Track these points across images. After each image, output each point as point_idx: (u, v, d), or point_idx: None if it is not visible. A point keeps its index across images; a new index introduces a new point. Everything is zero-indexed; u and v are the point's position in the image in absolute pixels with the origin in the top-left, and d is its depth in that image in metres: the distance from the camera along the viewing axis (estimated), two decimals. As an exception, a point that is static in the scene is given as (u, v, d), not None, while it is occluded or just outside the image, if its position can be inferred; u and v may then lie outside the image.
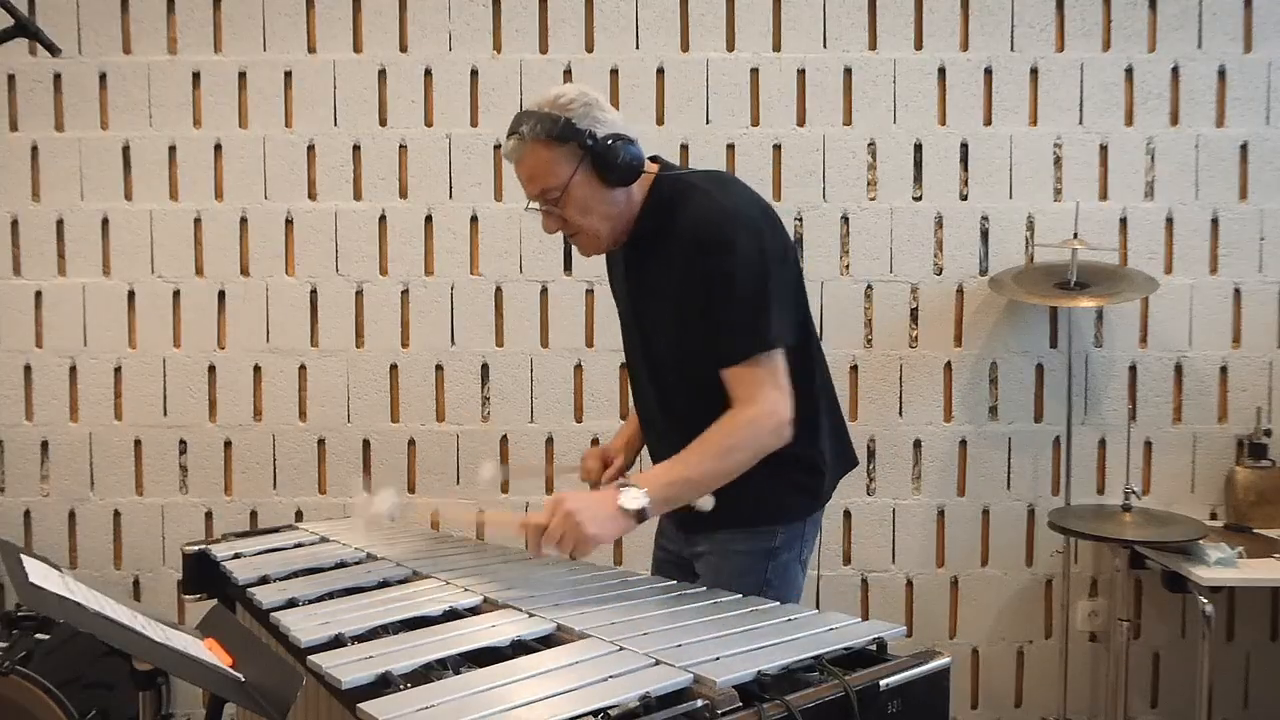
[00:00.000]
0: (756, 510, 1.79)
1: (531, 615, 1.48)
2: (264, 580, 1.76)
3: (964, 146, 2.94)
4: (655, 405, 1.91)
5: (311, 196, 2.96)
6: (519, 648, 1.38)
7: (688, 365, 1.78)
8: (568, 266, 2.95)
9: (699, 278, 1.71)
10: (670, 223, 1.76)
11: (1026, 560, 2.98)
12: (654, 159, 1.83)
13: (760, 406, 1.66)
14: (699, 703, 1.15)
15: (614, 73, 2.93)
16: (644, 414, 1.98)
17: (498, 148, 2.95)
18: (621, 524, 1.59)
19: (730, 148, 2.94)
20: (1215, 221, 2.94)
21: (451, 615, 1.52)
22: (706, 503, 1.68)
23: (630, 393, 2.09)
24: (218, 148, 2.96)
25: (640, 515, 1.59)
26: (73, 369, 2.98)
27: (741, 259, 1.68)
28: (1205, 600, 2.44)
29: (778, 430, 1.67)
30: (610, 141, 1.70)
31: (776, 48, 2.94)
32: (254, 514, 2.99)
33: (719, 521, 1.75)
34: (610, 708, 1.13)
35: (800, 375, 1.77)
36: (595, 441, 2.88)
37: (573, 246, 2.90)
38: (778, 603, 1.57)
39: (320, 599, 1.63)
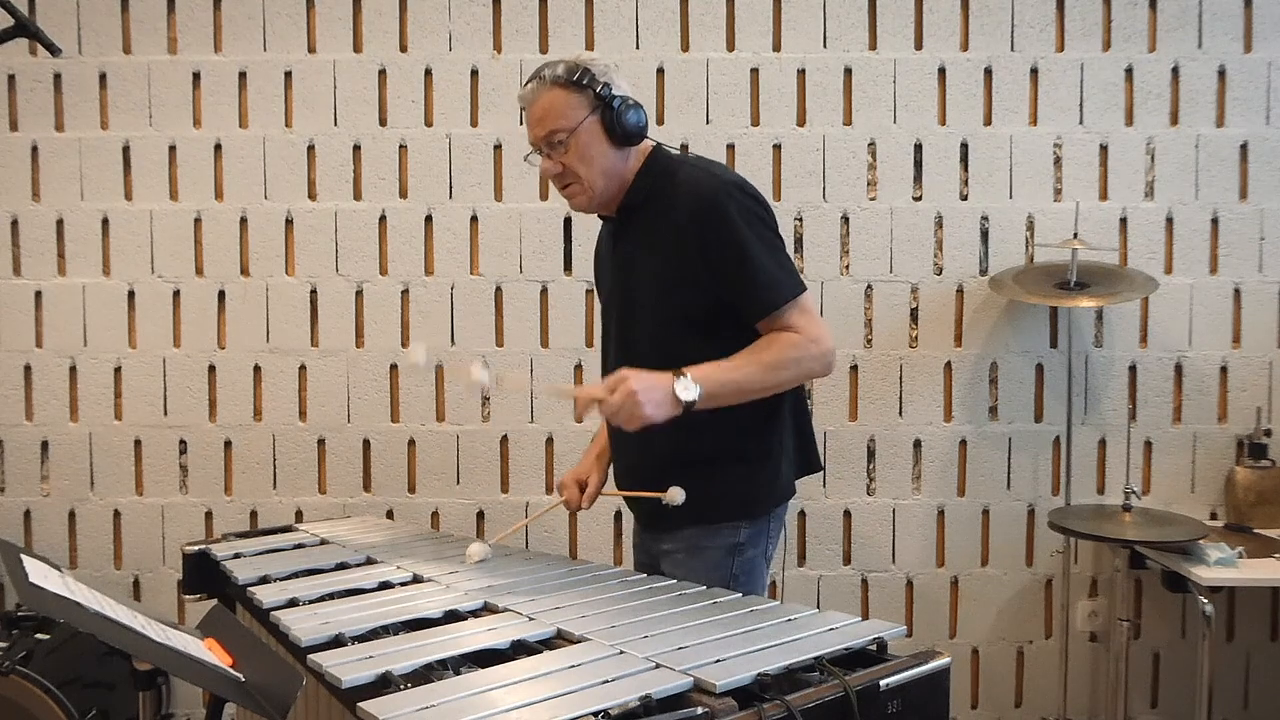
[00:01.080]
0: (721, 506, 1.84)
1: (532, 618, 1.48)
2: (264, 580, 1.76)
3: (964, 146, 2.94)
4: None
5: (311, 196, 2.96)
6: (520, 649, 1.38)
7: (664, 333, 1.83)
8: (568, 266, 2.95)
9: (705, 245, 1.76)
10: (660, 194, 1.83)
11: (1026, 560, 2.98)
12: (649, 138, 1.89)
13: (808, 334, 1.74)
14: (699, 710, 1.15)
15: (614, 73, 2.93)
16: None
17: (498, 148, 2.95)
18: (672, 410, 1.66)
19: (730, 148, 2.94)
20: (1215, 221, 2.94)
21: (452, 617, 1.52)
22: (677, 496, 1.77)
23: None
24: (218, 148, 2.96)
25: (690, 406, 1.66)
26: (73, 369, 2.98)
27: (745, 220, 1.76)
28: (1205, 600, 2.44)
29: (823, 358, 1.76)
30: (621, 100, 1.80)
31: (776, 48, 2.94)
32: (254, 514, 2.99)
33: (685, 520, 1.82)
34: (610, 710, 1.13)
35: None
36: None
37: (570, 248, 2.93)
38: (776, 602, 1.57)
39: (321, 599, 1.64)
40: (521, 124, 2.92)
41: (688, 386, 1.66)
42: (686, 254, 1.78)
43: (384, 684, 1.23)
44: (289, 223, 2.97)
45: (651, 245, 1.84)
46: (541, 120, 1.81)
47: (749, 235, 1.76)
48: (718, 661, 1.26)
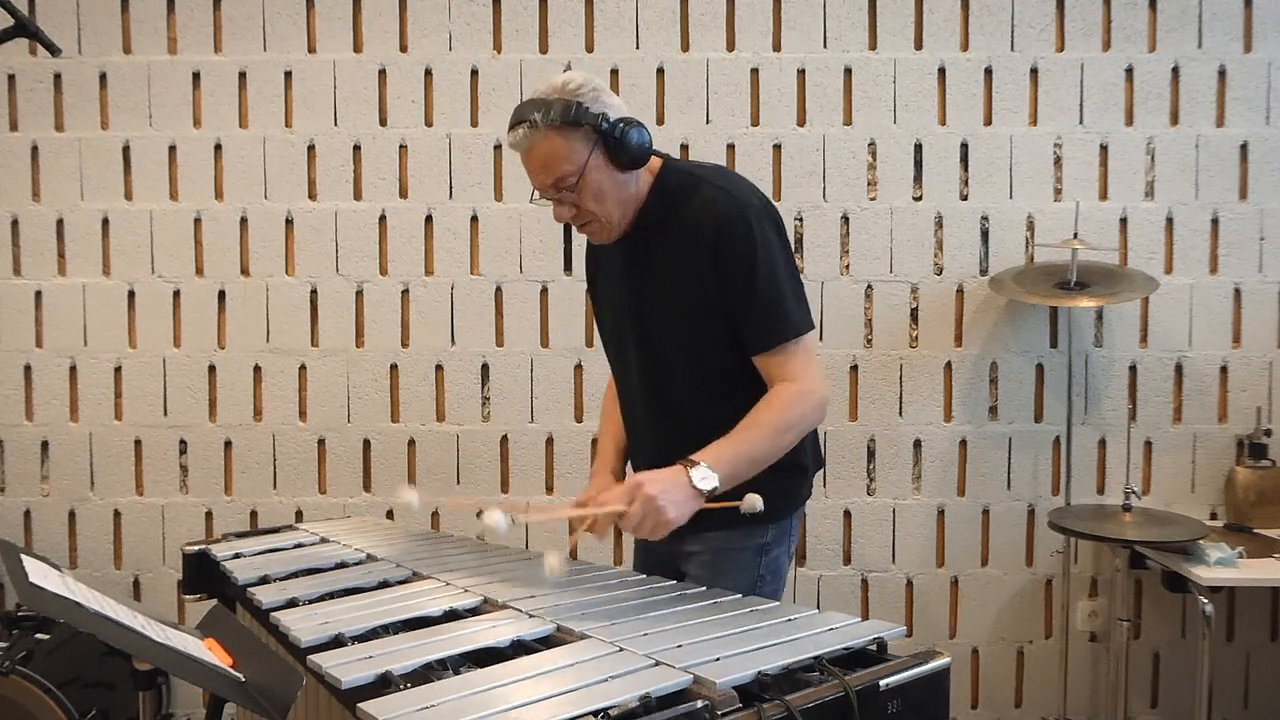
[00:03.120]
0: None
1: (531, 616, 1.48)
2: (264, 580, 1.76)
3: (964, 146, 2.94)
4: (647, 403, 1.88)
5: (311, 196, 2.96)
6: (519, 648, 1.38)
7: (691, 357, 1.78)
8: (568, 266, 2.95)
9: (719, 270, 1.71)
10: (677, 213, 1.76)
11: (1026, 560, 2.98)
12: (655, 152, 1.82)
13: (804, 384, 1.70)
14: (699, 703, 1.15)
15: (614, 73, 2.93)
16: (631, 416, 1.96)
17: (498, 148, 2.95)
18: (695, 505, 1.58)
19: (730, 148, 2.94)
20: (1215, 221, 2.94)
21: (452, 616, 1.52)
22: (757, 504, 1.61)
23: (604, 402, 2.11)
24: (218, 148, 2.96)
25: (713, 494, 1.59)
26: (73, 369, 2.98)
27: (765, 248, 1.71)
28: (1205, 600, 2.44)
29: (821, 407, 1.73)
30: (621, 124, 1.69)
31: (776, 48, 2.94)
32: (254, 514, 2.99)
33: (715, 524, 1.74)
34: (610, 708, 1.13)
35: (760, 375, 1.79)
36: (594, 442, 2.88)
37: (570, 248, 2.93)
38: (776, 602, 1.57)
39: (320, 599, 1.64)
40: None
41: (705, 475, 1.58)
42: (704, 274, 1.72)
43: (384, 684, 1.23)
44: (289, 223, 2.97)
45: (673, 268, 1.77)
46: (545, 168, 1.71)
47: (763, 265, 1.70)
48: (718, 660, 1.26)
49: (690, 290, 1.75)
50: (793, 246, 2.91)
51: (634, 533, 1.57)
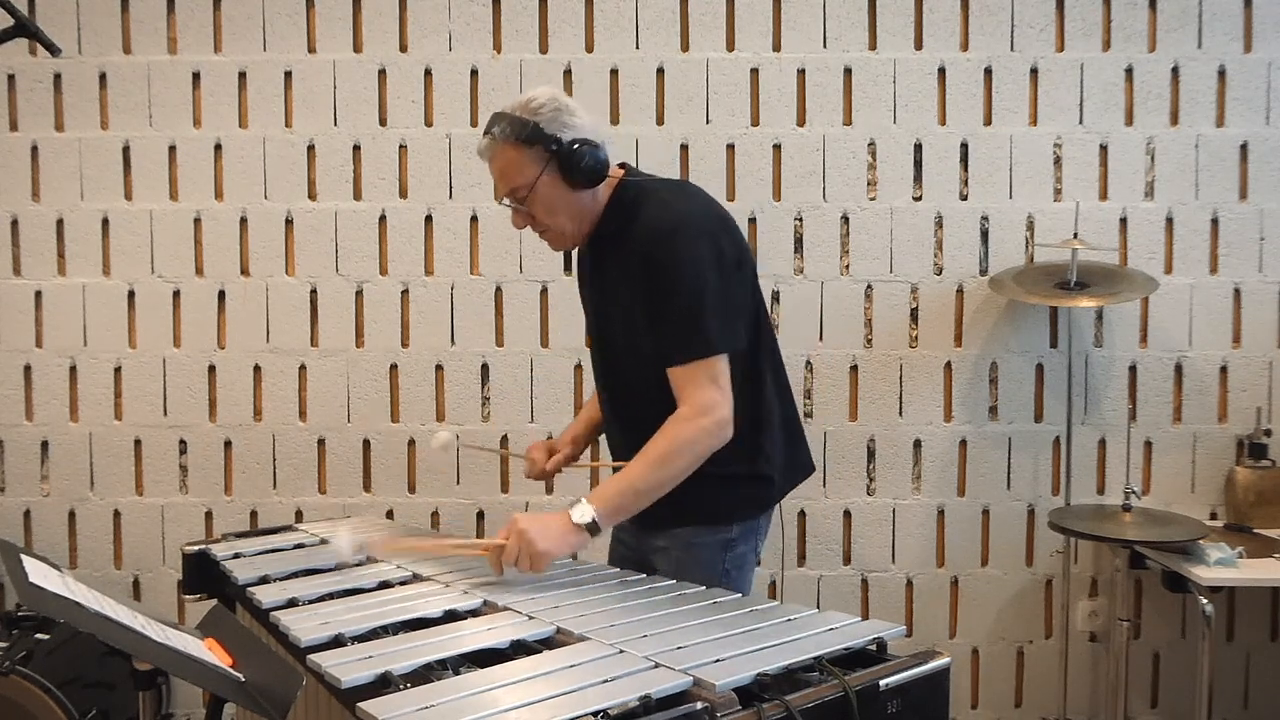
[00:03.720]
0: (714, 510, 1.87)
1: (531, 617, 1.48)
2: (264, 580, 1.76)
3: (964, 146, 2.94)
4: (611, 406, 2.01)
5: (311, 196, 2.96)
6: (519, 649, 1.38)
7: (638, 366, 1.85)
8: (568, 266, 2.95)
9: (647, 280, 1.79)
10: (629, 226, 1.84)
11: (1026, 560, 2.98)
12: (622, 165, 1.91)
13: (696, 409, 1.73)
14: (699, 705, 1.15)
15: (614, 73, 2.93)
16: (606, 406, 2.06)
17: (498, 148, 2.94)
18: (574, 539, 1.68)
19: (730, 148, 2.94)
20: (1215, 221, 2.94)
21: (452, 617, 1.52)
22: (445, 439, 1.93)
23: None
24: (218, 148, 2.96)
25: (592, 528, 1.69)
26: (73, 369, 2.98)
27: (687, 264, 1.76)
28: (1205, 600, 2.44)
29: (716, 431, 1.75)
30: (575, 146, 1.78)
31: (776, 48, 2.94)
32: (254, 514, 2.99)
33: (680, 520, 1.85)
34: (610, 709, 1.13)
35: (749, 383, 1.86)
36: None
37: (572, 251, 2.93)
38: (776, 602, 1.57)
39: (320, 599, 1.64)
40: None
41: (583, 512, 1.68)
42: (643, 284, 1.80)
43: (384, 684, 1.23)
44: (289, 223, 2.97)
45: (622, 278, 1.86)
46: (501, 178, 1.84)
47: (686, 282, 1.75)
48: (717, 661, 1.26)
49: (632, 300, 1.83)
50: (792, 246, 2.93)
51: (516, 565, 1.66)
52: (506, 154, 1.80)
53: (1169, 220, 2.94)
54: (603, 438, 2.18)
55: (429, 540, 2.11)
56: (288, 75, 2.95)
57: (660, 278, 1.77)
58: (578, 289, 2.09)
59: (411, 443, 2.98)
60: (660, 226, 1.79)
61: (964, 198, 2.95)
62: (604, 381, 2.02)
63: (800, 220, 2.95)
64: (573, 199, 1.83)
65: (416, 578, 1.76)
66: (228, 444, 2.99)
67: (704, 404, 1.73)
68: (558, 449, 2.16)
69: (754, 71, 2.93)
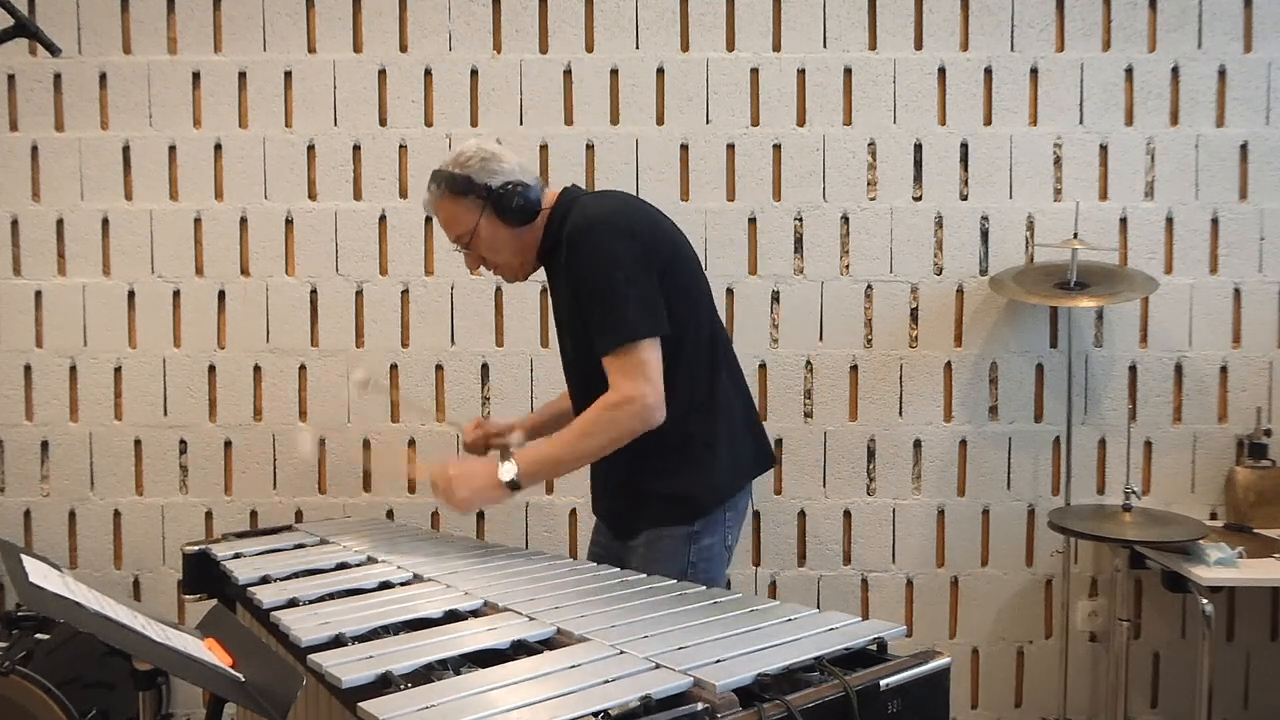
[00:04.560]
0: (669, 511, 1.97)
1: (532, 618, 1.48)
2: (264, 580, 1.76)
3: (964, 146, 2.94)
4: (573, 398, 2.13)
5: (311, 196, 2.96)
6: (520, 649, 1.38)
7: (587, 371, 1.96)
8: (568, 266, 2.95)
9: (572, 280, 1.94)
10: (559, 240, 1.97)
11: (1026, 560, 2.98)
12: (567, 189, 2.05)
13: (619, 395, 1.84)
14: (699, 706, 1.15)
15: (614, 73, 2.93)
16: (572, 408, 2.16)
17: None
18: (494, 493, 1.88)
19: (730, 148, 2.94)
20: (1215, 221, 2.94)
21: (452, 617, 1.52)
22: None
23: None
24: (218, 148, 2.96)
25: (512, 485, 1.86)
26: (73, 369, 2.98)
27: (602, 258, 1.87)
28: (1205, 600, 2.44)
29: (639, 415, 1.84)
30: (506, 188, 1.94)
31: (776, 48, 2.94)
32: (254, 514, 2.99)
33: (649, 520, 1.97)
34: (610, 709, 1.13)
35: (705, 378, 1.97)
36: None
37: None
38: (776, 601, 1.57)
39: (321, 599, 1.64)
40: (521, 123, 2.93)
41: (507, 470, 1.85)
42: (571, 290, 1.94)
43: (384, 684, 1.23)
44: (289, 223, 2.97)
45: (558, 290, 2.03)
46: (446, 228, 2.02)
47: (601, 273, 1.87)
48: (718, 661, 1.26)
49: (571, 305, 1.96)
50: (792, 246, 2.93)
51: (438, 498, 1.88)
52: (446, 207, 1.98)
53: (1169, 220, 2.94)
54: None
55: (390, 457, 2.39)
56: (288, 75, 2.95)
57: (580, 275, 1.90)
58: None
59: (412, 443, 2.98)
60: (577, 227, 1.92)
61: (964, 198, 2.95)
62: (571, 388, 2.15)
63: (800, 220, 2.95)
64: (512, 236, 1.99)
65: (417, 578, 1.76)
66: (228, 444, 2.99)
67: (626, 393, 1.83)
68: (483, 425, 2.34)
69: (754, 71, 2.93)
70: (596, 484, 2.16)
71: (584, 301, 1.90)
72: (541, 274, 2.09)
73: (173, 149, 2.96)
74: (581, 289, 1.90)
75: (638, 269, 1.87)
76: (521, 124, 2.92)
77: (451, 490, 1.86)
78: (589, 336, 1.90)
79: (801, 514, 2.97)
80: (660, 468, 1.94)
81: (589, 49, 2.93)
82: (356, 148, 2.96)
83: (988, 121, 2.94)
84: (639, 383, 1.83)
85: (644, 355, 1.84)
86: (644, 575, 1.78)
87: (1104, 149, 2.94)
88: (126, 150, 2.96)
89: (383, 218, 2.96)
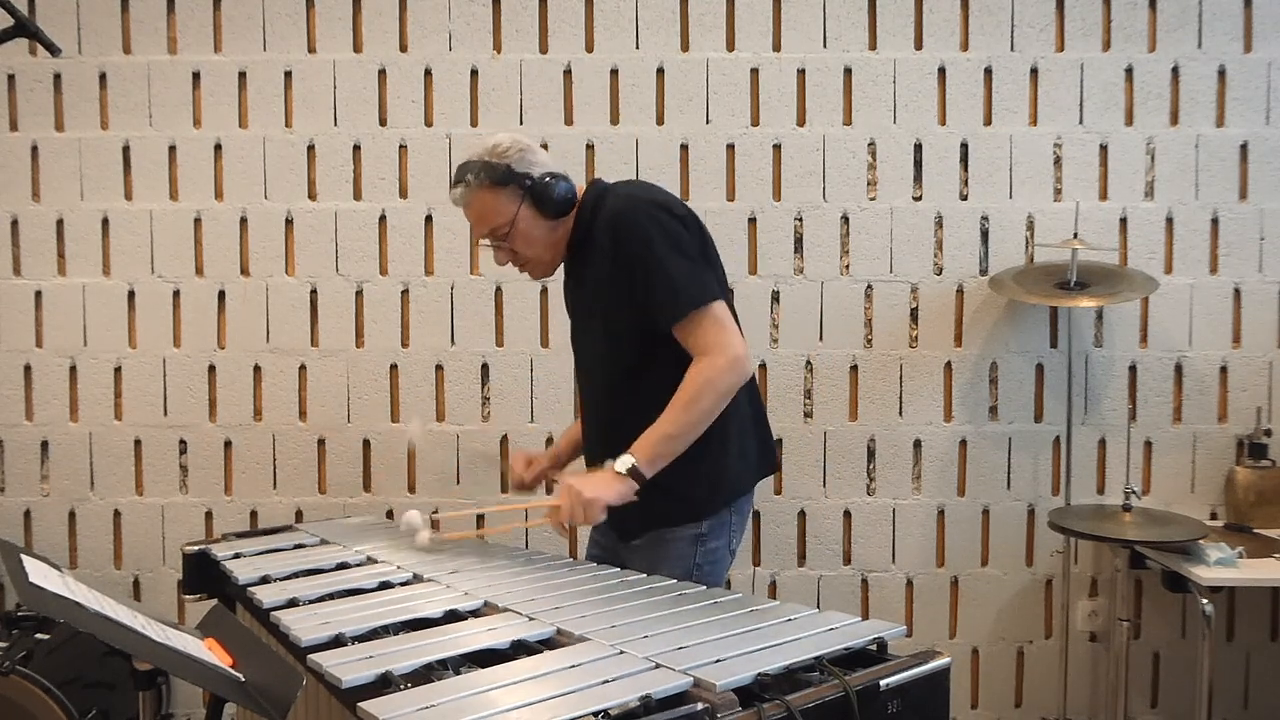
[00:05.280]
0: (679, 509, 1.94)
1: (532, 618, 1.48)
2: (264, 580, 1.76)
3: (964, 146, 2.94)
4: (593, 405, 2.08)
5: (311, 196, 2.96)
6: (520, 649, 1.38)
7: (617, 369, 1.95)
8: (568, 266, 2.95)
9: (619, 264, 1.88)
10: (592, 229, 1.96)
11: (1026, 560, 2.98)
12: (594, 182, 2.03)
13: (711, 353, 1.82)
14: (699, 706, 1.15)
15: (614, 73, 2.93)
16: (588, 414, 2.14)
17: (498, 148, 2.94)
18: (618, 486, 1.78)
19: (730, 148, 2.94)
20: (1215, 221, 2.94)
21: (452, 617, 1.52)
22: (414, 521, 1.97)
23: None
24: (218, 148, 2.96)
25: (634, 474, 1.79)
26: (73, 369, 2.98)
27: (656, 232, 1.85)
28: (1205, 600, 2.44)
29: (734, 369, 1.83)
30: (547, 179, 1.92)
31: (776, 48, 2.94)
32: (254, 514, 2.99)
33: (653, 520, 1.93)
34: (610, 709, 1.13)
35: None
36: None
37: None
38: (776, 602, 1.57)
39: (321, 599, 1.64)
40: (521, 123, 2.93)
41: (623, 461, 1.79)
42: (613, 273, 1.90)
43: (384, 684, 1.23)
44: (289, 223, 2.97)
45: (591, 278, 1.98)
46: (480, 221, 1.98)
47: (658, 247, 1.85)
48: (718, 661, 1.26)
49: (606, 296, 1.93)
50: (792, 246, 2.93)
51: (571, 520, 1.79)
52: (483, 198, 1.94)
53: (1169, 220, 2.94)
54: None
55: (491, 527, 2.20)
56: (288, 75, 2.95)
57: (632, 252, 1.86)
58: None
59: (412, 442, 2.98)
60: (619, 209, 1.90)
61: (964, 198, 2.95)
62: (586, 395, 2.12)
63: (800, 220, 2.95)
64: (548, 229, 1.97)
65: (417, 578, 1.76)
66: (228, 444, 2.99)
67: (716, 346, 1.82)
68: (534, 458, 2.26)
69: (754, 71, 2.93)
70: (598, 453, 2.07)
71: (640, 277, 1.86)
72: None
73: (173, 149, 2.96)
74: (633, 266, 1.86)
75: (689, 244, 1.89)
76: (521, 124, 2.92)
77: (581, 494, 1.76)
78: (634, 320, 1.88)
79: (801, 514, 2.97)
80: (669, 465, 1.87)
81: (589, 49, 2.93)
82: (356, 148, 2.96)
83: (988, 121, 2.94)
84: (726, 337, 1.83)
85: (719, 313, 1.85)
86: (644, 575, 1.78)
87: (1104, 149, 2.94)
88: (126, 150, 2.96)
89: (383, 218, 2.96)
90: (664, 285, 1.84)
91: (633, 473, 1.78)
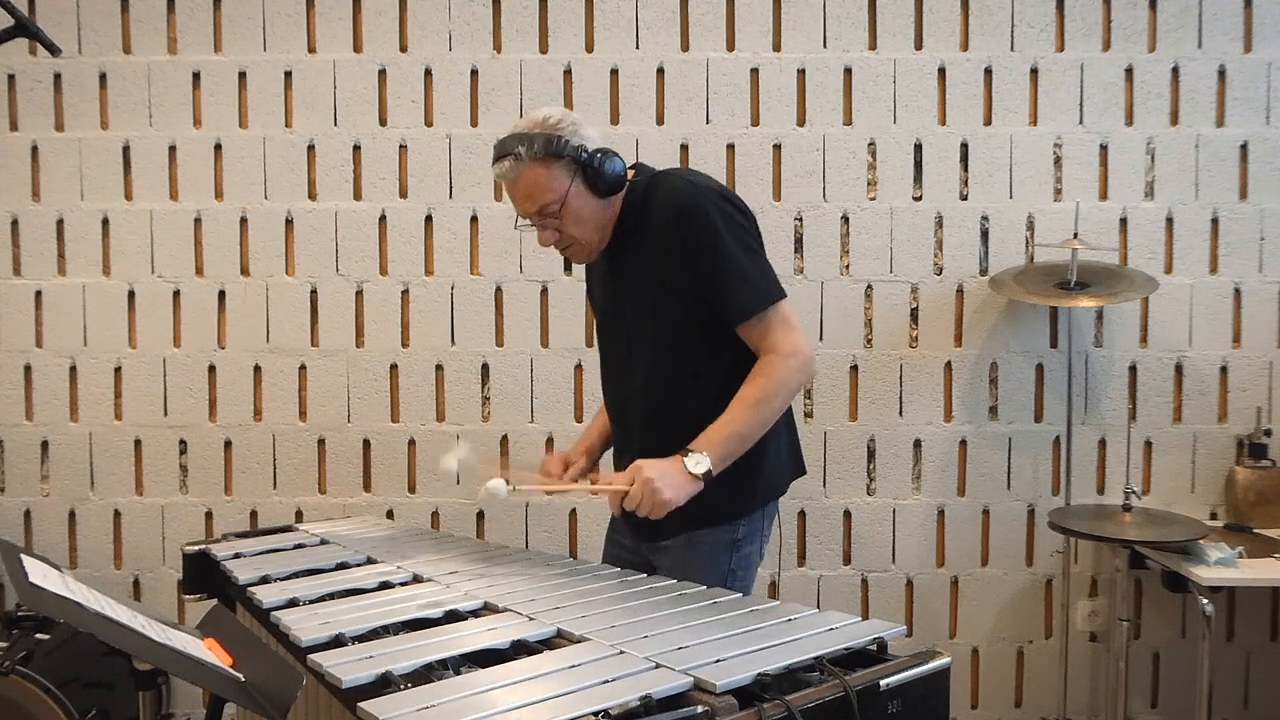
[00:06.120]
0: (718, 508, 1.86)
1: (532, 618, 1.48)
2: (265, 580, 1.76)
3: (964, 146, 2.94)
4: (635, 398, 1.96)
5: (311, 196, 2.96)
6: (520, 649, 1.38)
7: (663, 354, 1.87)
8: (568, 266, 2.95)
9: (687, 254, 1.81)
10: (645, 213, 1.86)
11: (1026, 560, 2.98)
12: (632, 166, 1.92)
13: (781, 352, 1.78)
14: (699, 708, 1.15)
15: (614, 73, 2.93)
16: (618, 412, 2.04)
17: (498, 148, 2.94)
18: (691, 487, 1.71)
19: (730, 148, 2.94)
20: (1215, 221, 2.94)
21: (453, 617, 1.52)
22: (498, 490, 1.74)
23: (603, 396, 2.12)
24: (218, 148, 2.96)
25: (706, 477, 1.72)
26: (73, 369, 2.98)
27: (727, 227, 1.80)
28: (1205, 600, 2.44)
29: (804, 368, 1.80)
30: (599, 155, 1.81)
31: (776, 48, 2.94)
32: (254, 514, 2.99)
33: (688, 520, 1.81)
34: (610, 709, 1.13)
35: (747, 365, 1.86)
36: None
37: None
38: (776, 602, 1.57)
39: (321, 599, 1.64)
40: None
41: (698, 461, 1.71)
42: (672, 261, 1.82)
43: (384, 684, 1.23)
44: (289, 223, 2.97)
45: (644, 267, 1.88)
46: (530, 197, 1.83)
47: (728, 240, 1.79)
48: (718, 661, 1.26)
49: (660, 284, 1.85)
50: (792, 247, 2.94)
51: (636, 510, 1.69)
52: (535, 171, 1.80)
53: (1169, 220, 2.94)
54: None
55: (563, 484, 2.05)
56: (288, 75, 2.95)
57: (703, 245, 1.79)
58: (587, 298, 2.10)
59: (412, 443, 2.98)
60: (683, 198, 1.82)
61: (964, 198, 2.95)
62: (618, 391, 2.00)
63: (800, 220, 2.95)
64: (599, 207, 1.85)
65: (417, 578, 1.76)
66: (228, 444, 2.99)
67: (788, 346, 1.78)
68: (572, 459, 2.10)
69: (754, 71, 2.93)
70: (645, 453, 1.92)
71: (707, 272, 1.79)
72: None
73: (173, 149, 2.96)
74: (698, 258, 1.79)
75: (754, 238, 1.85)
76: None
77: (658, 492, 1.67)
78: (692, 314, 1.82)
79: (801, 514, 2.97)
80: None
81: (589, 49, 2.93)
82: (356, 148, 2.96)
83: (988, 121, 2.94)
84: (796, 336, 1.80)
85: (787, 312, 1.82)
86: (644, 575, 1.77)
87: (1104, 149, 2.94)
88: (126, 150, 2.96)
89: (383, 218, 2.96)
90: (734, 281, 1.79)
91: (706, 475, 1.71)
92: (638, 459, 1.78)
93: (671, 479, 1.69)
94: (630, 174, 1.90)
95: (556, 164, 1.80)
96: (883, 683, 1.25)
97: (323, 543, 2.10)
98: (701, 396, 1.83)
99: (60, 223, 2.97)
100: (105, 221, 2.97)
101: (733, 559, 1.89)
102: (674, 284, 1.83)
